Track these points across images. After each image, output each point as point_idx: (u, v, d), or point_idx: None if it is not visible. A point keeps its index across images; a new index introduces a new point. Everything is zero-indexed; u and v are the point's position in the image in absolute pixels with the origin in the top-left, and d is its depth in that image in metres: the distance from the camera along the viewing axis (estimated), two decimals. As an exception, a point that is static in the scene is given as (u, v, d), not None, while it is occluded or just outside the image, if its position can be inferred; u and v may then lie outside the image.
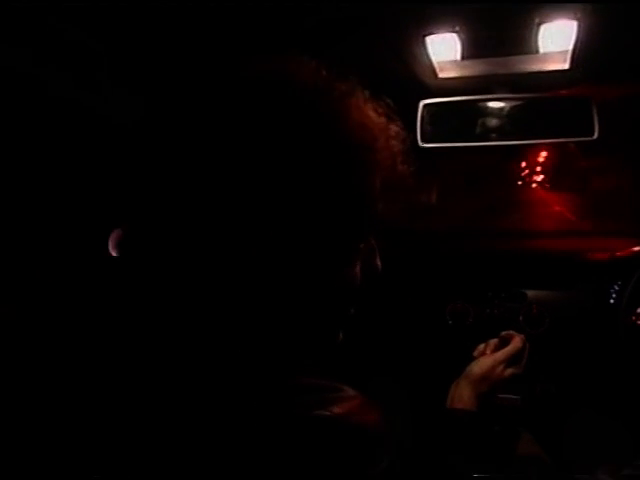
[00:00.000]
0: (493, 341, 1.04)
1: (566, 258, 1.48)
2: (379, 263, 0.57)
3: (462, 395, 0.92)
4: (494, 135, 1.15)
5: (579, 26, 0.94)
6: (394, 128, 0.53)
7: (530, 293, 1.40)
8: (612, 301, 1.33)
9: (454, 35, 1.00)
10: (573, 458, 1.14)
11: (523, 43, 1.01)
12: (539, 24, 0.94)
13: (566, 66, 1.07)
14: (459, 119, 1.16)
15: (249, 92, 0.46)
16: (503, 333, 1.06)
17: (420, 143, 1.14)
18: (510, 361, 0.98)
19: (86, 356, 0.45)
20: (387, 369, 1.37)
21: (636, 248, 1.37)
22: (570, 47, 1.01)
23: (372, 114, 0.51)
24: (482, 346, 1.04)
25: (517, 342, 1.01)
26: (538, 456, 1.01)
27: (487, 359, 0.97)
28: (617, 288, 1.33)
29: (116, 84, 0.84)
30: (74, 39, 0.79)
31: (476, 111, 1.16)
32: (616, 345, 1.23)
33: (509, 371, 0.96)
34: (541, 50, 1.03)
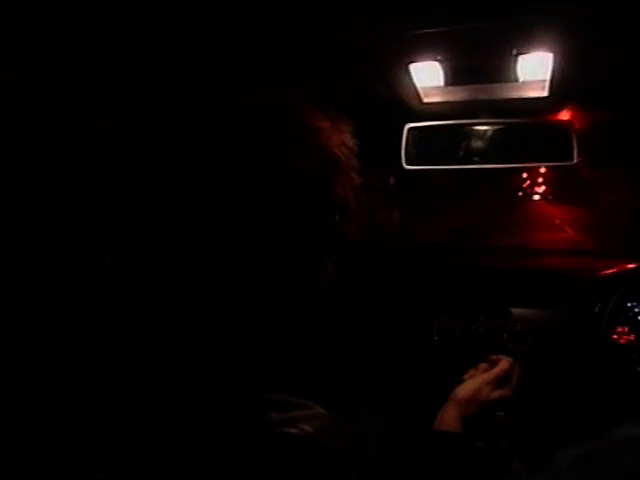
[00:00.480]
0: (482, 365, 1.06)
1: (550, 277, 1.50)
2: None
3: (448, 418, 0.93)
4: (476, 158, 1.18)
5: (555, 57, 0.98)
6: (355, 163, 0.58)
7: (515, 311, 1.42)
8: (594, 320, 1.35)
9: (437, 63, 1.04)
10: (554, 476, 1.16)
11: (503, 72, 1.05)
12: (517, 55, 0.98)
13: (545, 94, 1.11)
14: (443, 142, 1.20)
15: (235, 120, 0.50)
16: (493, 357, 1.08)
17: (405, 165, 1.17)
18: (497, 383, 0.99)
19: (82, 358, 0.47)
20: (374, 384, 1.39)
21: (618, 268, 1.40)
22: (548, 76, 1.05)
23: (341, 149, 0.55)
24: (472, 371, 1.05)
25: (504, 364, 1.02)
26: (519, 473, 1.03)
27: (473, 381, 0.98)
28: (599, 306, 1.35)
29: (107, 98, 0.86)
30: (65, 54, 0.81)
31: (460, 135, 1.19)
32: (596, 363, 1.25)
33: (496, 393, 0.97)
34: (520, 79, 1.07)
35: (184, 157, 0.50)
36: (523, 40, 0.94)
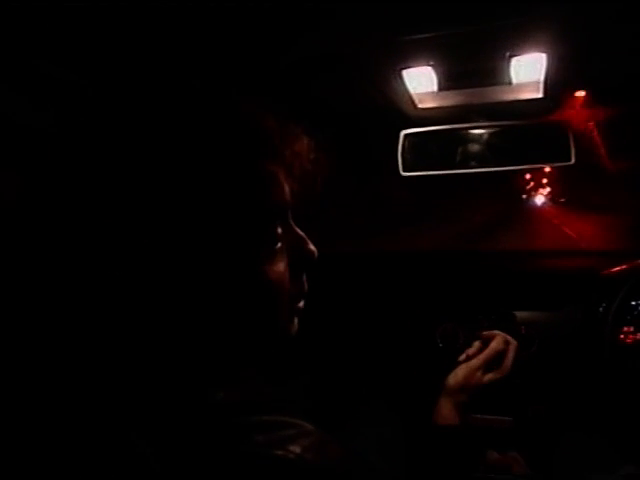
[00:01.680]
0: (476, 343, 1.03)
1: (553, 278, 1.49)
2: (312, 248, 0.55)
3: (441, 410, 0.92)
4: (474, 162, 1.18)
5: (548, 58, 0.97)
6: (303, 143, 0.53)
7: (519, 314, 1.40)
8: (599, 320, 1.34)
9: (429, 68, 1.04)
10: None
11: (496, 75, 1.05)
12: (510, 57, 0.98)
13: (539, 95, 1.10)
14: (439, 147, 1.19)
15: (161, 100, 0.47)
16: (485, 333, 1.05)
17: (402, 172, 1.17)
18: (490, 365, 0.96)
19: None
20: (379, 393, 1.37)
21: (621, 267, 1.39)
22: (541, 77, 1.05)
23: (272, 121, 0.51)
24: (466, 350, 1.03)
25: (495, 344, 0.99)
26: (528, 478, 1.02)
27: (462, 368, 0.96)
28: (604, 307, 1.34)
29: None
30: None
31: (456, 139, 1.19)
32: (603, 364, 1.23)
33: (489, 376, 0.95)
34: (514, 81, 1.07)
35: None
36: (516, 42, 0.94)
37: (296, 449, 0.43)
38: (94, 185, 0.45)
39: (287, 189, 0.51)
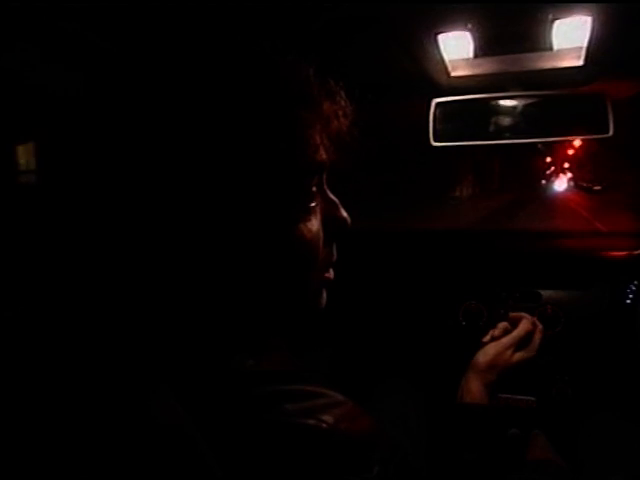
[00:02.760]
0: (502, 324, 1.02)
1: (581, 258, 1.46)
2: (344, 214, 0.53)
3: (470, 388, 0.90)
4: (507, 134, 1.14)
5: (593, 22, 0.93)
6: (341, 98, 0.50)
7: (545, 293, 1.38)
8: (629, 301, 1.31)
9: (466, 33, 1.00)
10: (589, 462, 1.12)
11: (536, 40, 1.01)
12: (553, 20, 0.94)
13: (580, 63, 1.06)
14: (472, 117, 1.15)
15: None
16: (512, 314, 1.05)
17: (432, 142, 1.13)
18: (519, 345, 0.95)
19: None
20: (401, 370, 1.36)
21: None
22: (584, 43, 1.00)
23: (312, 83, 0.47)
24: (491, 331, 1.01)
25: (525, 324, 0.98)
26: (552, 460, 1.00)
27: (492, 346, 0.94)
28: (633, 288, 1.31)
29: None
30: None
31: (489, 109, 1.15)
32: (633, 346, 1.21)
33: (517, 356, 0.94)
34: (555, 47, 1.03)
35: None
36: (560, 3, 0.89)
37: (328, 418, 0.42)
38: (132, 141, 0.42)
39: (324, 145, 0.48)
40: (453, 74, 1.14)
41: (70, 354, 0.40)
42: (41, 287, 0.48)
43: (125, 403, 0.38)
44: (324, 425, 0.42)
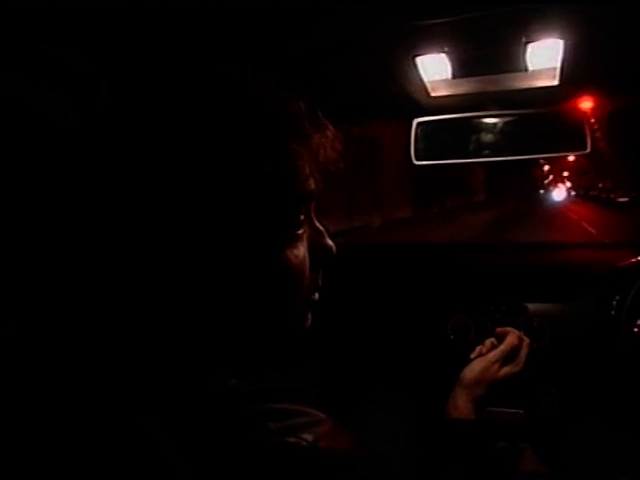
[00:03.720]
0: (489, 340, 1.03)
1: (566, 270, 1.47)
2: (329, 243, 0.55)
3: (457, 404, 0.91)
4: (487, 151, 1.16)
5: (565, 44, 0.95)
6: (329, 131, 0.52)
7: (531, 306, 1.39)
8: (613, 313, 1.32)
9: (443, 55, 1.02)
10: (576, 474, 1.13)
11: (512, 61, 1.03)
12: (526, 43, 0.96)
13: (555, 82, 1.08)
14: (452, 136, 1.18)
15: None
16: (498, 330, 1.06)
17: (414, 161, 1.15)
18: (505, 359, 0.97)
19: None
20: (389, 385, 1.37)
21: (635, 258, 1.37)
22: (558, 64, 1.03)
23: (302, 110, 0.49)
24: (479, 348, 1.03)
25: (511, 339, 1.00)
26: (540, 472, 1.00)
27: (478, 362, 0.96)
28: (618, 299, 1.32)
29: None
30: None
31: (469, 128, 1.17)
32: (617, 357, 1.22)
33: (504, 370, 0.95)
34: (530, 67, 1.05)
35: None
36: (532, 27, 0.91)
37: (309, 437, 0.43)
38: (115, 170, 0.44)
39: (313, 176, 0.50)
40: (433, 94, 1.16)
41: (60, 373, 0.42)
42: (39, 297, 0.49)
43: (104, 425, 0.39)
44: (304, 443, 0.42)
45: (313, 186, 0.50)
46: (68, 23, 0.72)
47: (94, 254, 0.46)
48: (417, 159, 1.15)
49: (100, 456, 0.38)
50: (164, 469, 0.38)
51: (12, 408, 0.40)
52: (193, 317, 0.46)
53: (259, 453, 0.41)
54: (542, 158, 1.45)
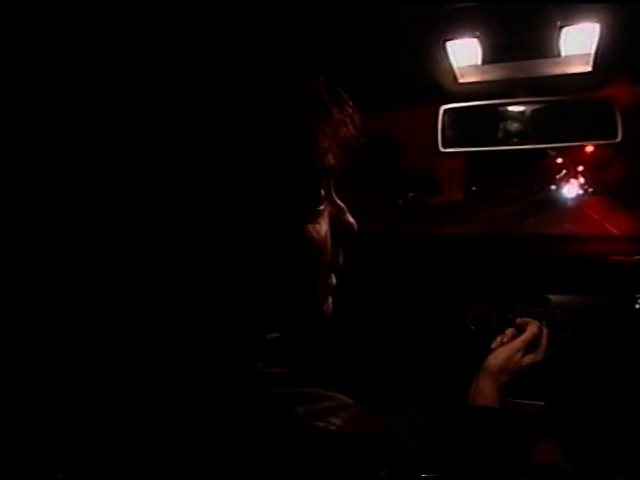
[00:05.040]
0: (509, 330, 1.06)
1: (590, 262, 1.46)
2: (351, 220, 0.53)
3: (483, 390, 0.92)
4: (515, 139, 1.14)
5: (601, 28, 0.93)
6: (349, 106, 0.50)
7: (553, 298, 1.38)
8: (638, 306, 1.31)
9: (474, 40, 1.00)
10: (598, 467, 1.12)
11: (544, 46, 1.01)
12: (561, 27, 0.94)
13: (588, 69, 1.06)
14: (480, 123, 1.16)
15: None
16: (518, 320, 1.09)
17: (441, 148, 1.14)
18: (527, 348, 0.98)
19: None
20: (409, 375, 1.37)
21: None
22: (592, 50, 1.00)
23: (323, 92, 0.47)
24: (499, 337, 1.06)
25: (533, 328, 1.02)
26: (561, 464, 1.00)
27: (503, 350, 0.98)
28: (641, 291, 1.31)
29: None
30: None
31: (497, 115, 1.15)
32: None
33: (527, 359, 0.97)
34: (563, 53, 1.03)
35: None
36: (568, 10, 0.89)
37: (337, 421, 0.43)
38: (147, 147, 0.43)
39: (332, 151, 0.48)
40: (461, 80, 1.14)
41: (83, 357, 0.40)
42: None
43: (138, 403, 0.38)
44: (333, 427, 0.42)
45: (333, 161, 0.49)
46: (92, 6, 0.71)
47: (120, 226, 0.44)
48: (444, 146, 1.13)
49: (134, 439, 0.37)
50: (202, 451, 0.37)
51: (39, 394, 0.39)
52: (216, 296, 0.45)
53: (287, 437, 0.40)
54: (571, 146, 1.43)
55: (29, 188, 0.45)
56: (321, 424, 0.42)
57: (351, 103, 0.51)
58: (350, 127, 0.51)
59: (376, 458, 0.45)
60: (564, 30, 0.95)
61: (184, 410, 0.38)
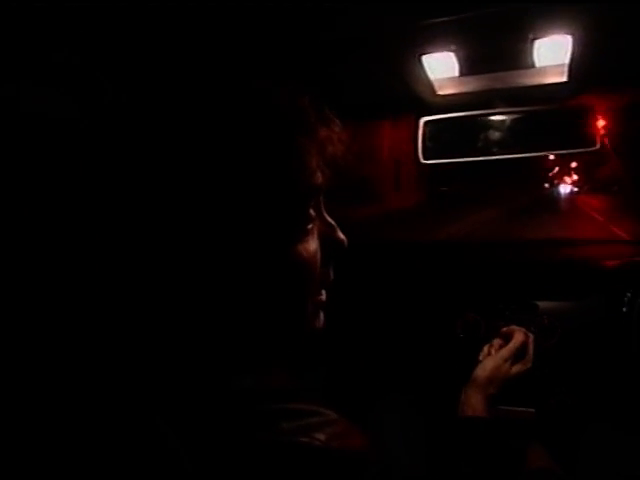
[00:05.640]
0: (496, 341, 1.06)
1: (576, 267, 1.46)
2: (341, 236, 0.54)
3: (471, 402, 0.92)
4: (496, 149, 1.15)
5: (573, 40, 0.94)
6: (336, 125, 0.51)
7: (541, 304, 1.38)
8: (624, 309, 1.31)
9: (450, 53, 1.01)
10: (588, 473, 1.12)
11: (519, 58, 1.02)
12: (533, 39, 0.95)
13: (564, 79, 1.07)
14: (460, 134, 1.17)
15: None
16: (504, 329, 1.09)
17: (422, 160, 1.15)
18: (515, 357, 0.99)
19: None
20: (399, 385, 1.36)
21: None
22: (566, 60, 1.02)
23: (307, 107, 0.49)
24: (486, 348, 1.05)
25: (519, 336, 1.02)
26: (551, 471, 1.00)
27: (491, 360, 0.98)
28: (629, 295, 1.31)
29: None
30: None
31: (477, 126, 1.17)
32: (629, 354, 1.21)
33: (515, 368, 0.97)
34: (537, 64, 1.04)
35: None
36: (540, 23, 0.91)
37: (321, 437, 0.43)
38: (122, 169, 0.44)
39: (320, 170, 0.50)
40: (440, 92, 1.16)
41: (68, 371, 0.42)
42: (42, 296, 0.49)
43: (113, 425, 0.39)
44: (317, 443, 0.42)
45: (320, 180, 0.50)
46: (73, 25, 0.72)
47: (103, 254, 0.46)
48: (425, 158, 1.15)
49: (107, 456, 0.38)
50: (171, 468, 0.38)
51: (20, 410, 0.40)
52: (205, 315, 0.46)
53: (272, 453, 0.40)
54: (554, 156, 1.43)
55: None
56: (305, 440, 0.42)
57: (338, 121, 0.52)
58: (337, 144, 0.52)
59: (360, 474, 0.45)
60: (537, 42, 0.96)
61: (156, 430, 0.39)
